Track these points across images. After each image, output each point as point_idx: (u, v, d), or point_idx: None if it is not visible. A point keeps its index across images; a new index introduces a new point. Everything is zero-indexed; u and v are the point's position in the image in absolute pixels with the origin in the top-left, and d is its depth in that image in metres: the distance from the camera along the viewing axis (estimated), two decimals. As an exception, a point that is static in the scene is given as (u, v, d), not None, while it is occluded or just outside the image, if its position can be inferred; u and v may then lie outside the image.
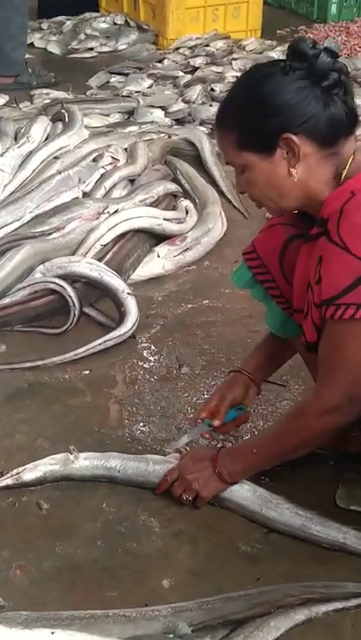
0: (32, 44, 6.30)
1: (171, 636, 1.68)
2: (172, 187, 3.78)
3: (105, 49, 6.38)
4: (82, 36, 6.50)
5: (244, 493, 2.08)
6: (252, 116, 1.80)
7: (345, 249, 1.71)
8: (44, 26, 6.76)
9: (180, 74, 5.73)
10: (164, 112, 5.03)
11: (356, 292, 1.72)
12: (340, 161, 1.81)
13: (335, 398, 1.84)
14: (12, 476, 2.16)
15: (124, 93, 5.33)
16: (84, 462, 2.17)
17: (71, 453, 2.17)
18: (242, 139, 1.82)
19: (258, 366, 2.26)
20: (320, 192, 1.81)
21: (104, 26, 6.71)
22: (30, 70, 5.49)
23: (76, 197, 3.51)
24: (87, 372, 2.70)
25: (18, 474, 2.16)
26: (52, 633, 1.57)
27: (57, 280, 2.95)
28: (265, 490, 2.09)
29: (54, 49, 6.37)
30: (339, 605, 1.83)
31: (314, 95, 1.76)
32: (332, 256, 1.74)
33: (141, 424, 2.44)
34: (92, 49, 6.36)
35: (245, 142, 1.82)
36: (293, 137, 1.76)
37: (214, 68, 5.77)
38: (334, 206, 1.75)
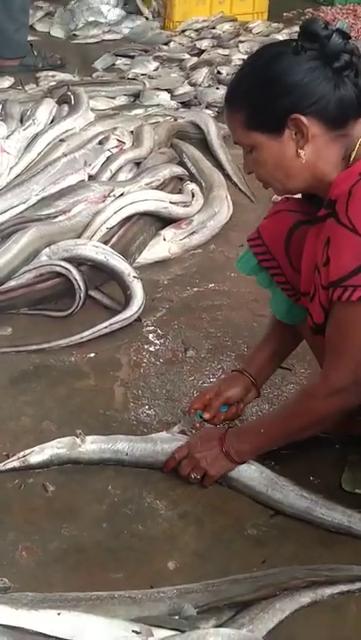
0: (34, 27, 6.27)
1: (176, 617, 1.68)
2: (178, 170, 3.77)
3: (108, 36, 6.33)
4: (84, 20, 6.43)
5: (252, 474, 2.08)
6: (262, 95, 1.78)
7: (354, 231, 1.70)
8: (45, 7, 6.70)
9: (187, 56, 5.71)
10: (170, 95, 5.01)
11: None
12: (349, 143, 1.79)
13: (342, 380, 1.84)
14: (19, 458, 2.16)
15: (129, 76, 5.31)
16: (91, 446, 2.17)
17: (78, 437, 2.16)
18: (251, 118, 1.80)
19: (260, 367, 2.25)
20: (328, 173, 1.80)
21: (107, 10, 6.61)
22: (36, 52, 5.47)
23: (82, 180, 3.51)
24: (93, 354, 2.70)
25: (24, 456, 2.16)
26: (58, 614, 1.57)
27: (63, 263, 2.94)
28: (271, 471, 2.09)
29: (58, 33, 6.34)
30: (344, 588, 1.83)
31: (325, 76, 1.75)
32: (340, 238, 1.73)
33: (147, 407, 2.44)
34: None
35: (254, 122, 1.80)
36: (302, 117, 1.75)
37: (221, 51, 5.75)
38: (343, 188, 1.74)
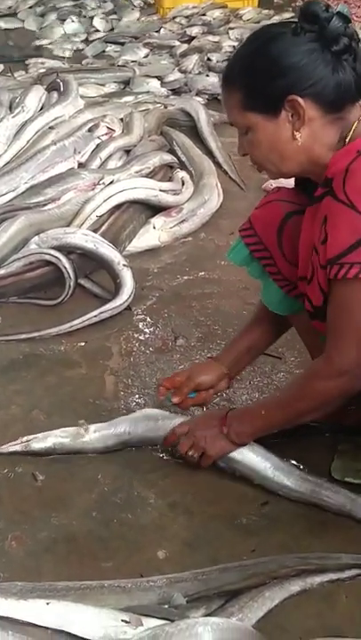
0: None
1: (166, 606, 1.68)
2: (168, 158, 3.76)
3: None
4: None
5: (256, 458, 2.08)
6: (260, 75, 1.76)
7: (351, 207, 1.68)
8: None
9: (177, 43, 5.69)
10: (160, 82, 5.00)
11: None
12: (344, 126, 1.77)
13: (346, 361, 1.81)
14: (22, 442, 2.16)
15: (119, 63, 5.28)
16: (95, 435, 2.16)
17: (82, 427, 2.16)
18: (247, 99, 1.78)
19: (236, 360, 2.25)
20: (323, 156, 1.78)
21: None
22: (11, 43, 5.46)
23: (72, 168, 3.50)
24: (83, 343, 2.69)
25: (27, 442, 2.16)
26: (47, 603, 1.57)
27: (52, 251, 2.94)
28: (276, 456, 2.08)
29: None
30: (333, 577, 1.82)
31: (323, 59, 1.73)
32: (337, 214, 1.70)
33: (137, 396, 2.44)
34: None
35: (251, 102, 1.78)
36: (299, 99, 1.73)
37: (211, 38, 5.74)
38: (340, 165, 1.72)
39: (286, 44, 1.74)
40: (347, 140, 1.77)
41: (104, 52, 5.64)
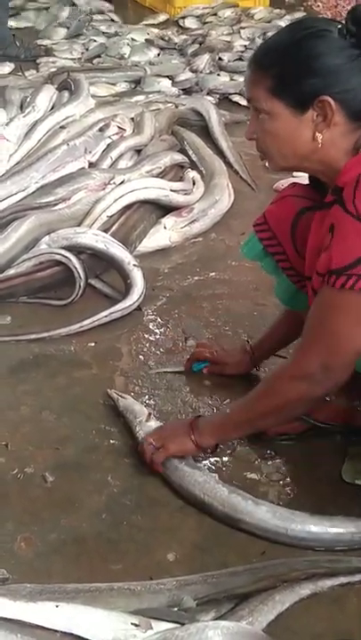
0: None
1: (176, 609, 1.68)
2: (179, 157, 3.75)
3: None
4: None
5: (263, 514, 1.96)
6: (297, 68, 1.73)
7: (359, 219, 1.68)
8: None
9: (188, 42, 5.66)
10: (171, 81, 4.99)
11: None
12: None
13: (310, 365, 1.81)
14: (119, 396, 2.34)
15: (129, 63, 5.28)
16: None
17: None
18: (279, 86, 1.75)
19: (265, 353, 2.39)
20: (338, 160, 1.77)
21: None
22: (18, 43, 5.46)
23: (82, 168, 3.49)
24: (92, 344, 2.68)
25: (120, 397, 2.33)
26: (57, 606, 1.57)
27: (62, 251, 2.93)
28: (285, 509, 1.98)
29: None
30: (344, 580, 1.82)
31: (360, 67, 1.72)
32: (345, 226, 1.70)
33: (147, 397, 2.43)
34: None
35: (281, 91, 1.75)
36: (332, 102, 1.71)
37: (222, 37, 5.71)
38: (351, 175, 1.71)
39: (330, 44, 1.73)
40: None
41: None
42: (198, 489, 2.03)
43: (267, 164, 1.91)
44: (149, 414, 2.23)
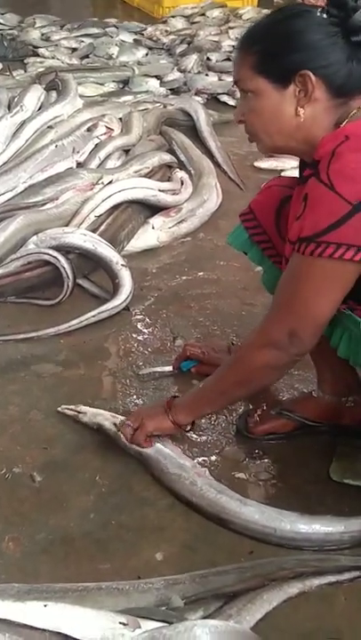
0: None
1: (163, 608, 1.67)
2: (168, 157, 3.75)
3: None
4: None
5: (252, 515, 1.95)
6: (278, 44, 1.76)
7: (331, 188, 1.68)
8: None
9: (176, 43, 5.67)
10: (159, 81, 4.99)
11: (338, 232, 1.67)
12: (343, 112, 1.78)
13: (277, 331, 1.82)
14: (75, 410, 2.30)
15: (117, 63, 5.27)
16: None
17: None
18: (261, 62, 1.78)
19: None
20: (319, 138, 1.78)
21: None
22: (6, 44, 5.45)
23: (70, 168, 3.50)
24: (81, 343, 2.68)
25: (79, 412, 2.28)
26: (45, 605, 1.56)
27: (50, 251, 2.93)
28: (273, 509, 1.97)
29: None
30: (332, 579, 1.82)
31: (341, 45, 1.74)
32: (317, 195, 1.71)
33: (135, 396, 2.43)
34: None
35: (264, 68, 1.78)
36: (312, 75, 1.73)
37: (210, 37, 5.71)
38: (327, 148, 1.73)
39: (311, 21, 1.76)
40: (341, 125, 1.78)
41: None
42: (186, 490, 2.03)
43: (257, 147, 1.92)
44: (114, 417, 2.23)
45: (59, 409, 2.34)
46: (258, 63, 1.78)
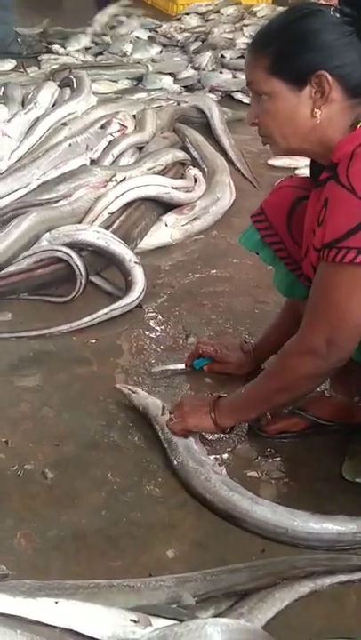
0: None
1: (175, 606, 1.67)
2: (181, 155, 3.74)
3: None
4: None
5: (264, 514, 1.95)
6: (293, 45, 1.75)
7: (352, 192, 1.67)
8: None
9: (191, 40, 5.66)
10: (173, 79, 4.98)
11: (357, 237, 1.67)
12: (359, 113, 1.77)
13: (315, 339, 1.81)
14: (130, 390, 2.34)
15: (131, 61, 5.27)
16: None
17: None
18: (276, 64, 1.77)
19: (265, 349, 2.38)
20: (334, 140, 1.77)
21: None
22: (20, 41, 5.46)
23: (84, 165, 3.49)
24: (93, 341, 2.68)
25: (132, 392, 2.33)
26: (56, 602, 1.56)
27: (63, 248, 2.92)
28: (285, 508, 1.96)
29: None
30: (344, 578, 1.82)
31: (356, 45, 1.73)
32: (337, 199, 1.70)
33: (148, 394, 2.42)
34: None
35: (279, 68, 1.76)
36: (329, 76, 1.72)
37: (225, 35, 5.70)
38: (346, 150, 1.71)
39: (325, 21, 1.75)
40: (358, 126, 1.76)
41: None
42: (201, 486, 2.03)
43: (270, 148, 1.91)
44: (163, 407, 2.23)
45: (116, 385, 2.38)
46: (272, 64, 1.77)
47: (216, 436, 2.21)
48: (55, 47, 5.56)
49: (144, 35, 5.81)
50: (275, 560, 1.84)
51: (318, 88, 1.74)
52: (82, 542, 1.93)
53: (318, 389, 2.23)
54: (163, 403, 2.26)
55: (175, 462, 2.10)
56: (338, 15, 1.75)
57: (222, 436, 2.21)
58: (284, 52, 1.76)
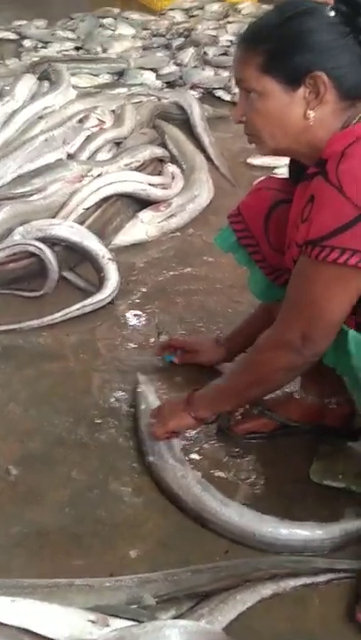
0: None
1: (135, 607, 1.66)
2: (159, 151, 3.72)
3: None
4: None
5: (232, 517, 1.94)
6: (289, 43, 1.70)
7: (340, 191, 1.63)
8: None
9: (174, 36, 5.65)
10: (155, 74, 4.96)
11: (343, 236, 1.64)
12: (350, 115, 1.74)
13: (289, 333, 1.79)
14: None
15: (113, 55, 5.25)
16: None
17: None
18: (270, 62, 1.72)
19: (237, 345, 2.36)
20: (325, 141, 1.73)
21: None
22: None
23: (60, 159, 3.46)
24: (64, 336, 2.66)
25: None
26: (12, 601, 1.54)
27: (36, 243, 2.90)
28: (254, 512, 1.94)
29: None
30: (307, 581, 1.80)
31: (352, 46, 1.70)
32: (325, 196, 1.67)
33: (118, 391, 2.41)
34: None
35: (273, 67, 1.72)
36: (325, 76, 1.68)
37: (208, 32, 5.68)
38: (336, 148, 1.68)
39: (322, 20, 1.70)
40: (349, 127, 1.74)
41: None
42: (175, 484, 2.02)
43: (255, 148, 1.86)
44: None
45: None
46: (266, 62, 1.72)
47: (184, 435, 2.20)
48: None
49: (127, 30, 5.78)
50: (238, 562, 1.83)
51: (313, 89, 1.71)
52: (45, 540, 1.91)
53: (287, 391, 2.22)
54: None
55: (151, 458, 2.09)
56: (333, 14, 1.71)
57: (190, 435, 2.20)
58: (279, 50, 1.71)
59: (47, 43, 5.47)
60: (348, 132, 1.70)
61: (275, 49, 1.71)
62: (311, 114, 1.73)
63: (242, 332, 2.38)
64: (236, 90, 1.87)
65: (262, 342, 1.91)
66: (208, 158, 3.94)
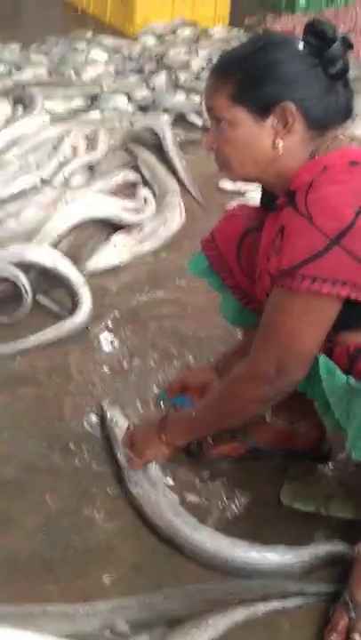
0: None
1: (108, 632, 1.67)
2: (132, 176, 3.75)
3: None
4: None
5: (203, 539, 1.96)
6: (259, 74, 1.74)
7: (309, 220, 1.67)
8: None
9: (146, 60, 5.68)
10: (127, 99, 4.98)
11: (314, 265, 1.67)
12: (318, 144, 1.78)
13: (264, 365, 1.80)
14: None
15: (86, 80, 5.27)
16: None
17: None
18: (241, 92, 1.76)
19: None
20: (293, 170, 1.77)
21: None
22: None
23: (34, 184, 3.47)
24: (37, 361, 2.67)
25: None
26: (-15, 628, 1.55)
27: (10, 268, 2.91)
28: (225, 537, 1.96)
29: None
30: (278, 605, 1.82)
31: (320, 78, 1.74)
32: (294, 227, 1.70)
33: (91, 415, 2.42)
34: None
35: (243, 97, 1.76)
36: (293, 107, 1.72)
37: (180, 56, 5.73)
38: (304, 178, 1.72)
39: (292, 52, 1.75)
40: (316, 157, 1.78)
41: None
42: (150, 508, 2.04)
43: (225, 174, 1.90)
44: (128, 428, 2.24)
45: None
46: (236, 92, 1.76)
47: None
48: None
49: (100, 54, 5.82)
50: (210, 586, 1.85)
51: (281, 119, 1.75)
52: (16, 565, 1.91)
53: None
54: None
55: (129, 484, 2.11)
56: (303, 46, 1.76)
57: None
58: (249, 80, 1.75)
59: (20, 68, 5.47)
60: (316, 162, 1.75)
61: (245, 79, 1.75)
62: (280, 143, 1.76)
63: (231, 363, 2.34)
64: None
65: (236, 374, 1.92)
66: (180, 182, 3.98)
